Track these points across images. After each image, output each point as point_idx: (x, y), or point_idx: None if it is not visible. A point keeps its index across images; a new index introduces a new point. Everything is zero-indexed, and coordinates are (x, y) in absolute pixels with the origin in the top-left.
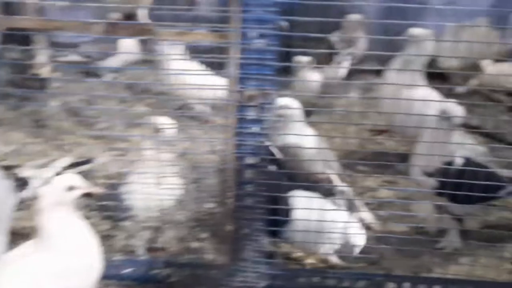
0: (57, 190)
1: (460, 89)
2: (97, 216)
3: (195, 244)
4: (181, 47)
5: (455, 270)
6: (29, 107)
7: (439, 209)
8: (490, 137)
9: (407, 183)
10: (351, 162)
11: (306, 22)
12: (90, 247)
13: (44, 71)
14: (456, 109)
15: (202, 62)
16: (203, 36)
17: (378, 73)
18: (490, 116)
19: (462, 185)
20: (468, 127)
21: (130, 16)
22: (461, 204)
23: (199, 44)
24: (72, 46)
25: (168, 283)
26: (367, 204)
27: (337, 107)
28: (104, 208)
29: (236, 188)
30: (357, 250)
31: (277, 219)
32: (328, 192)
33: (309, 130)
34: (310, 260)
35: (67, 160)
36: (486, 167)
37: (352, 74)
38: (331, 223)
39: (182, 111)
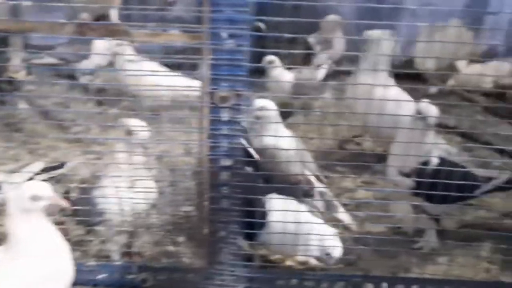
0: (22, 198)
1: (432, 89)
2: (71, 220)
3: (171, 248)
4: (130, 47)
5: (433, 270)
6: (2, 111)
7: (416, 209)
8: (466, 137)
9: (384, 184)
10: (328, 163)
11: (285, 23)
12: (60, 253)
13: (19, 74)
14: (430, 109)
15: (174, 63)
16: (175, 37)
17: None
18: (466, 116)
19: (438, 185)
20: (444, 127)
21: (102, 17)
22: (437, 204)
23: (170, 45)
24: (47, 48)
25: None
26: (345, 205)
27: (313, 108)
28: (78, 212)
29: (212, 191)
30: (334, 257)
31: (252, 221)
32: (306, 193)
33: (286, 132)
34: (288, 262)
35: (39, 165)
36: (461, 166)
37: (329, 75)
38: (307, 226)
39: (156, 113)
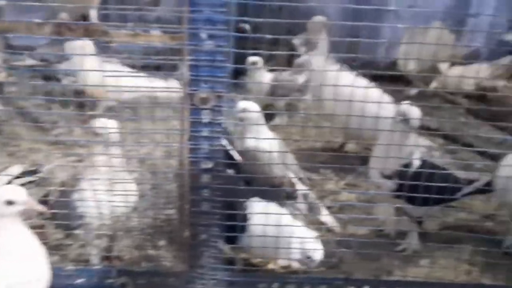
0: None
1: (413, 91)
2: (50, 224)
3: (152, 252)
4: (91, 46)
5: (415, 272)
6: None
7: (399, 211)
8: (449, 139)
9: (368, 186)
10: (312, 165)
11: (270, 24)
12: (36, 258)
13: (0, 75)
14: (413, 112)
15: (154, 64)
16: (155, 38)
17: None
18: (449, 118)
19: (419, 187)
20: (426, 129)
21: (83, 17)
22: (419, 206)
23: (150, 45)
24: (29, 49)
25: None
26: (328, 207)
27: (297, 110)
28: (57, 216)
29: (192, 193)
30: (316, 260)
31: (234, 225)
32: (289, 195)
33: (269, 134)
34: (270, 266)
35: (17, 169)
36: (443, 168)
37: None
38: (288, 229)
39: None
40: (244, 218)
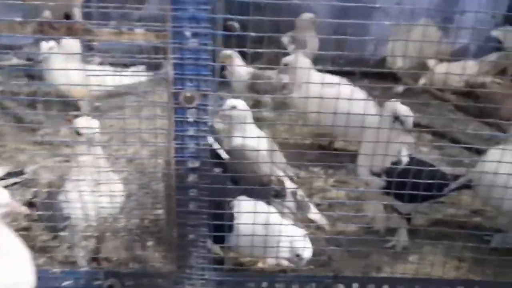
0: None
1: (399, 88)
2: (36, 226)
3: (139, 253)
4: (76, 45)
5: (404, 269)
6: None
7: (387, 208)
8: (438, 135)
9: (357, 183)
10: (301, 163)
11: (258, 22)
12: (20, 260)
13: None
14: (404, 110)
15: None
16: (138, 36)
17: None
18: (438, 115)
19: (407, 184)
20: (416, 126)
21: (67, 16)
22: (407, 203)
23: (134, 43)
24: (15, 48)
25: None
26: (317, 205)
27: (287, 108)
28: (43, 217)
29: (179, 193)
30: (305, 258)
31: (221, 224)
32: (277, 194)
33: (258, 132)
34: (259, 265)
35: (2, 170)
36: (430, 165)
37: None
38: (276, 228)
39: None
40: (231, 217)
